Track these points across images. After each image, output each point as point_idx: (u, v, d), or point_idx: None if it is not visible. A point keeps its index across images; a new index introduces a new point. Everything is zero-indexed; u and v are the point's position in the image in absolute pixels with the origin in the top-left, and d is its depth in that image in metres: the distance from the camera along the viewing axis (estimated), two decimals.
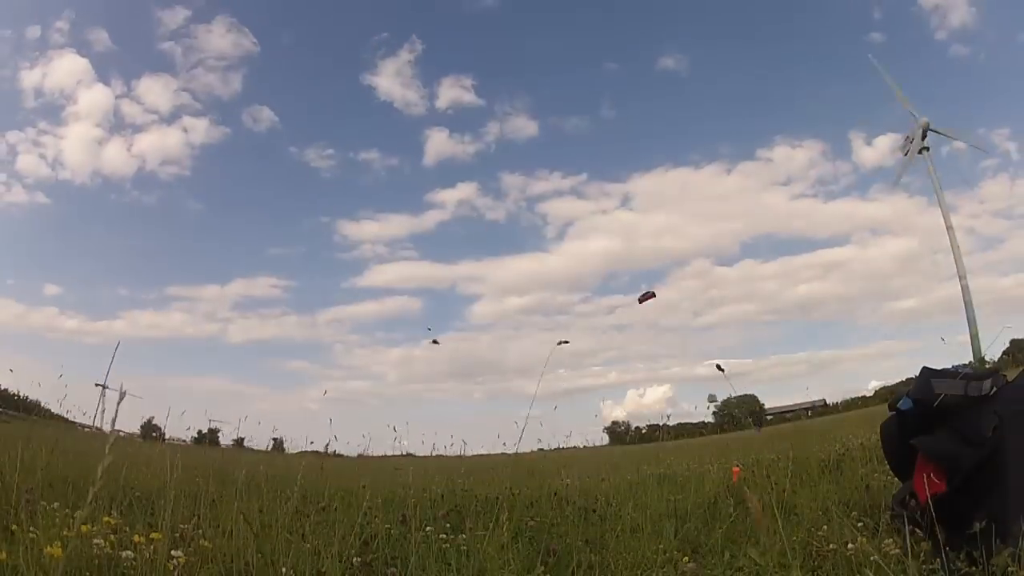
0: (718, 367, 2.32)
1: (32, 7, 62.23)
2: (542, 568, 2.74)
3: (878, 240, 61.56)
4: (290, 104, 70.58)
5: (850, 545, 2.63)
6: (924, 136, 40.91)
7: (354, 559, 2.64)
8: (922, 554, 2.37)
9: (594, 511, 3.97)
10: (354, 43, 66.55)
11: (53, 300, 72.42)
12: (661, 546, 3.03)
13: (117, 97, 56.85)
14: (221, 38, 62.07)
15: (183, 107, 61.98)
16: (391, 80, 62.98)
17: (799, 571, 2.51)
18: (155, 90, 66.33)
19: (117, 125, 59.94)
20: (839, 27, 61.24)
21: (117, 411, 1.00)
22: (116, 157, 59.23)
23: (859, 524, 3.03)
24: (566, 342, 2.80)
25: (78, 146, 58.01)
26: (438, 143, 62.62)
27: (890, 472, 3.55)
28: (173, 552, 2.34)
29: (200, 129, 62.59)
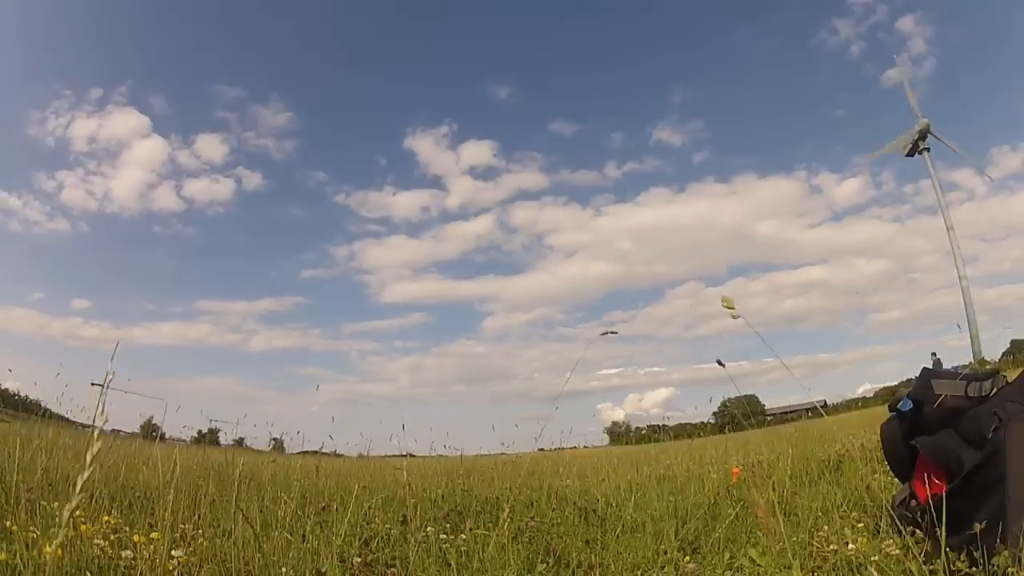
0: (719, 362, 2.37)
1: (95, 72, 69.12)
2: (542, 568, 2.74)
3: (854, 262, 68.69)
4: (340, 167, 79.89)
5: (850, 546, 2.63)
6: (924, 137, 41.25)
7: (354, 559, 2.65)
8: (922, 555, 2.37)
9: (594, 511, 3.97)
10: (400, 120, 79.16)
11: (80, 312, 74.90)
12: (662, 546, 3.03)
13: (173, 149, 60.63)
14: (276, 115, 67.23)
15: (237, 162, 68.63)
16: (430, 148, 70.52)
17: (799, 571, 2.51)
18: (211, 145, 70.67)
19: (172, 172, 63.28)
20: (810, 101, 74.74)
21: (101, 407, 0.99)
22: (165, 197, 63.28)
23: (859, 524, 3.03)
24: (614, 332, 2.85)
25: (128, 186, 61.51)
26: (462, 189, 69.80)
27: (890, 472, 3.55)
28: (173, 552, 2.34)
29: (253, 180, 66.51)
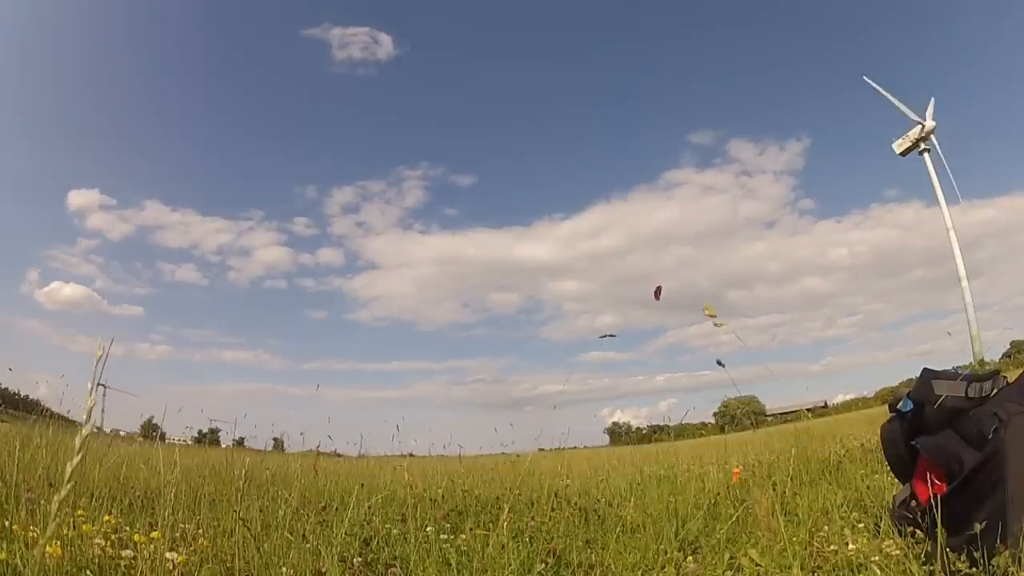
0: (719, 363, 2.44)
1: (245, 208, 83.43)
2: (542, 568, 2.74)
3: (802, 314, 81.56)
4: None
5: (850, 546, 2.63)
6: (926, 138, 41.44)
7: (354, 559, 2.65)
8: (923, 555, 2.37)
9: (594, 511, 3.97)
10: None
11: (149, 339, 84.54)
12: (662, 546, 3.03)
13: (297, 255, 74.56)
14: (389, 243, 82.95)
15: (351, 267, 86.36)
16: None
17: (800, 571, 2.51)
18: (331, 256, 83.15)
19: (293, 271, 78.11)
20: None
21: (91, 389, 0.99)
22: (277, 282, 77.86)
23: (859, 525, 3.03)
24: (612, 335, 3.02)
25: (245, 276, 76.26)
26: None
27: (890, 473, 3.54)
28: (168, 554, 2.33)
29: (363, 274, 79.34)
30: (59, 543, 2.15)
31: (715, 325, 2.13)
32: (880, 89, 44.22)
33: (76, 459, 0.94)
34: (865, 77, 46.75)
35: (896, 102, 43.58)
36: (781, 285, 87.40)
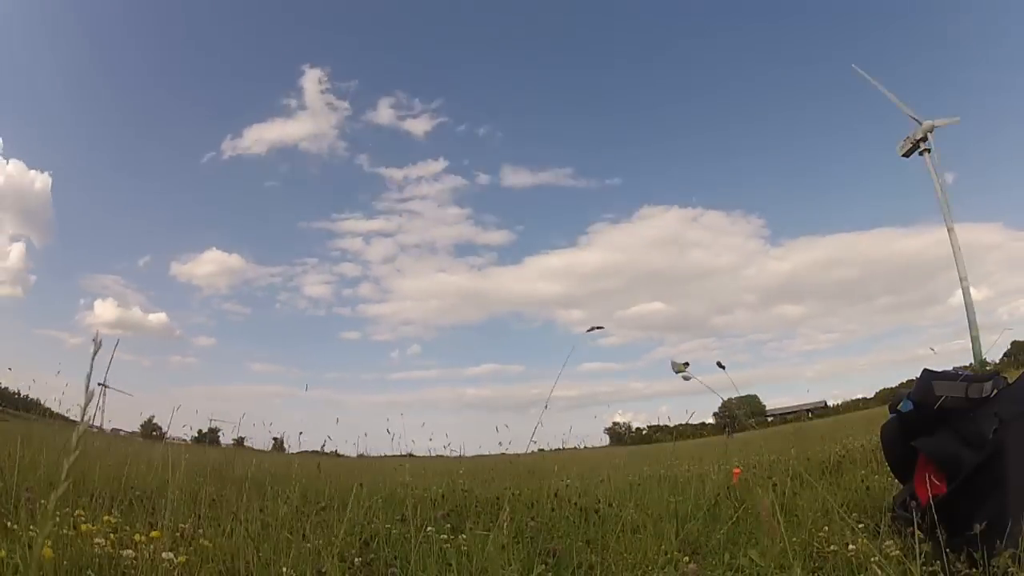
0: (719, 364, 2.45)
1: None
2: (542, 568, 2.74)
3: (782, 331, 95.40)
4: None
5: (851, 546, 2.63)
6: (925, 138, 41.45)
7: (354, 559, 2.64)
8: (923, 555, 2.37)
9: (595, 511, 3.97)
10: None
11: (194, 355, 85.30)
12: (662, 547, 3.03)
13: (337, 291, 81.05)
14: (421, 282, 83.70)
15: (384, 298, 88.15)
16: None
17: (800, 572, 2.51)
18: (367, 291, 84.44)
19: (331, 303, 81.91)
20: None
21: (87, 380, 0.99)
22: (317, 311, 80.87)
23: (860, 525, 3.03)
24: (600, 327, 3.03)
25: (290, 307, 79.15)
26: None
27: (891, 473, 3.55)
28: (164, 554, 2.33)
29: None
30: (58, 545, 2.15)
31: (684, 379, 2.22)
32: (871, 80, 44.02)
33: (72, 457, 0.93)
34: (854, 66, 46.51)
35: (889, 95, 43.41)
36: (759, 310, 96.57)
